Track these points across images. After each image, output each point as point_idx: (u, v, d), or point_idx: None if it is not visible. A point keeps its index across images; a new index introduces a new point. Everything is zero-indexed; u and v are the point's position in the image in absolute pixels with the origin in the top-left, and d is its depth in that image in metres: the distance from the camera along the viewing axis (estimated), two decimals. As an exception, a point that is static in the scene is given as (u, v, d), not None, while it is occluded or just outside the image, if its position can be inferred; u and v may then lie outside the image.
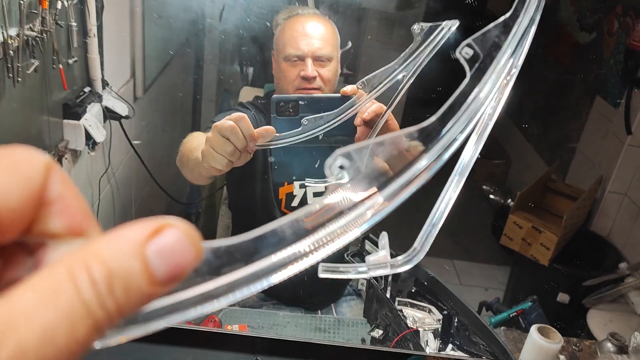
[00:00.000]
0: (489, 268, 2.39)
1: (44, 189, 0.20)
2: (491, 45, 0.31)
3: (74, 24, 1.03)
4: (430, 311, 0.96)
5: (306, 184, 0.91)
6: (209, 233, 1.54)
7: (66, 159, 1.12)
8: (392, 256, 0.33)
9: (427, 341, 0.93)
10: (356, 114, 0.83)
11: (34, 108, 0.99)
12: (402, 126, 1.01)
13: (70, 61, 1.07)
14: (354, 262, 1.03)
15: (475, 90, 0.29)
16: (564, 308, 1.88)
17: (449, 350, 0.94)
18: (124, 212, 1.52)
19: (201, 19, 1.60)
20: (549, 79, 2.27)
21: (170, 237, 0.19)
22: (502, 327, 1.20)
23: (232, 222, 1.35)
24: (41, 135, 1.04)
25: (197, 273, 0.21)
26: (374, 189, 0.25)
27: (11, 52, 0.81)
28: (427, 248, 0.32)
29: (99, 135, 1.15)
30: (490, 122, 0.32)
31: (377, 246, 1.01)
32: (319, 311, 1.18)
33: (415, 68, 0.71)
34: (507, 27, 0.32)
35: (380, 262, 0.31)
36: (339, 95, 0.85)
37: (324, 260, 0.24)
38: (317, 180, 0.97)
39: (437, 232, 0.33)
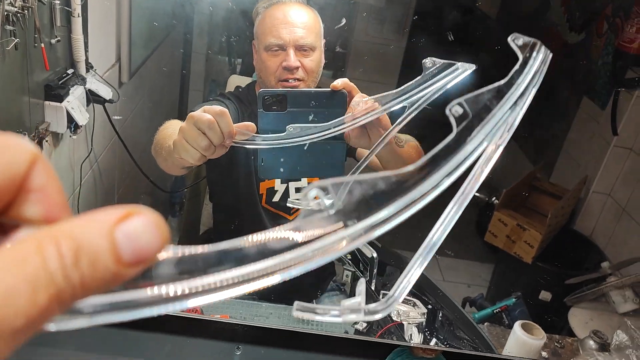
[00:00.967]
0: (473, 265, 2.39)
1: (26, 176, 0.21)
2: (482, 107, 0.31)
3: (57, 1, 1.00)
4: (415, 305, 0.95)
5: (288, 204, 0.88)
6: (193, 222, 1.52)
7: (47, 141, 1.09)
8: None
9: (411, 335, 0.92)
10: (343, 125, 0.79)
11: (14, 87, 0.96)
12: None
13: (53, 41, 1.04)
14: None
15: (461, 147, 0.30)
16: (546, 306, 1.89)
17: (432, 344, 0.94)
18: (106, 199, 1.49)
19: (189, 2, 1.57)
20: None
21: (139, 223, 0.21)
22: (486, 323, 1.20)
23: (213, 214, 1.33)
24: (21, 116, 1.01)
25: (156, 272, 0.22)
26: (340, 225, 0.26)
27: (-10, 27, 0.78)
28: (403, 297, 0.32)
29: (82, 118, 1.12)
30: (477, 183, 0.32)
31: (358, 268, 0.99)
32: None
33: (419, 103, 0.68)
34: (500, 93, 0.33)
35: (355, 308, 0.31)
36: (328, 90, 0.82)
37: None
38: (296, 201, 0.91)
39: (414, 282, 0.32)
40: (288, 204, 0.93)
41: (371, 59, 2.34)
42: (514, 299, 1.20)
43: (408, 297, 0.97)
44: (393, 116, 0.78)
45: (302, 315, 0.31)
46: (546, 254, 2.01)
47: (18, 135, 0.22)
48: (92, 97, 1.20)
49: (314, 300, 1.21)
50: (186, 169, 0.99)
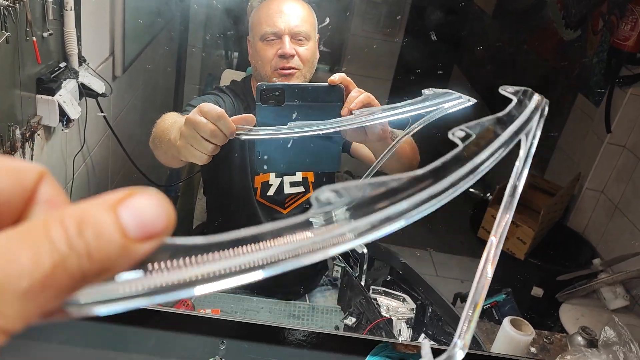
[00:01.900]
0: (466, 260, 2.40)
1: (34, 190, 0.23)
2: (484, 131, 0.32)
3: (49, -5, 1.00)
4: (404, 300, 0.96)
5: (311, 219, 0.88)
6: (186, 215, 1.52)
7: (39, 135, 1.09)
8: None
9: (400, 330, 0.93)
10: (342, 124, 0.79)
11: (5, 81, 0.96)
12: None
13: (45, 34, 1.03)
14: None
15: (470, 159, 0.30)
16: (537, 301, 1.90)
17: (421, 339, 0.94)
18: (99, 192, 1.49)
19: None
20: (533, 75, 2.29)
21: (142, 199, 0.21)
22: (476, 319, 1.21)
23: (207, 207, 1.33)
24: (13, 110, 1.01)
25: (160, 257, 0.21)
26: (350, 220, 0.26)
27: (-20, 20, 0.78)
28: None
29: (74, 112, 1.12)
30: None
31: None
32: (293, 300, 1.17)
33: (422, 120, 0.68)
34: (500, 121, 0.34)
35: None
36: (326, 84, 0.82)
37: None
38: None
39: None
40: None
41: (368, 54, 2.34)
42: (504, 295, 1.21)
43: (398, 293, 0.98)
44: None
45: None
46: (539, 250, 2.02)
47: (23, 160, 0.24)
48: (85, 91, 1.20)
49: (306, 295, 1.21)
50: (186, 162, 1.00)
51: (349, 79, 0.84)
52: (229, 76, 1.50)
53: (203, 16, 1.91)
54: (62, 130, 1.16)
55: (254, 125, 0.78)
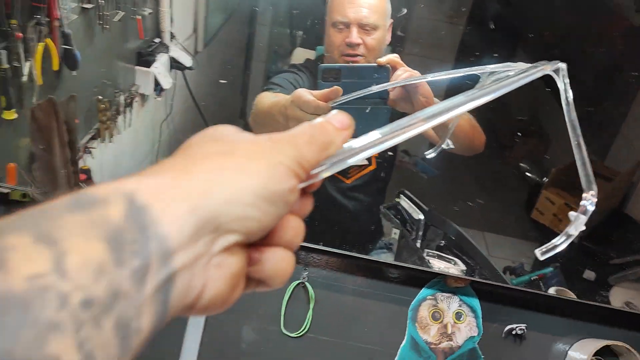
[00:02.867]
0: (519, 243, 2.43)
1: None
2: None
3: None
4: (455, 263, 1.05)
5: None
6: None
7: (136, 101, 1.24)
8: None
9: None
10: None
11: (114, 53, 1.11)
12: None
13: (146, 12, 1.18)
14: (390, 214, 1.13)
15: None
16: (589, 285, 1.93)
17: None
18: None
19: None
20: (598, 61, 2.26)
21: (337, 115, 0.39)
22: (523, 289, 1.28)
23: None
24: (117, 79, 1.16)
25: None
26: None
27: (101, 1, 0.92)
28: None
29: (166, 82, 1.26)
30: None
31: (412, 202, 1.09)
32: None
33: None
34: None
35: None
36: (375, 64, 0.98)
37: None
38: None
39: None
40: None
41: (429, 35, 2.38)
42: (551, 268, 1.27)
43: (449, 257, 1.07)
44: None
45: (549, 255, 0.44)
46: (594, 234, 2.03)
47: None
48: (174, 64, 1.35)
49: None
50: None
51: (397, 59, 0.97)
52: (300, 54, 1.60)
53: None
54: (155, 98, 1.31)
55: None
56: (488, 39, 1.87)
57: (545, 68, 0.53)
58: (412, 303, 0.92)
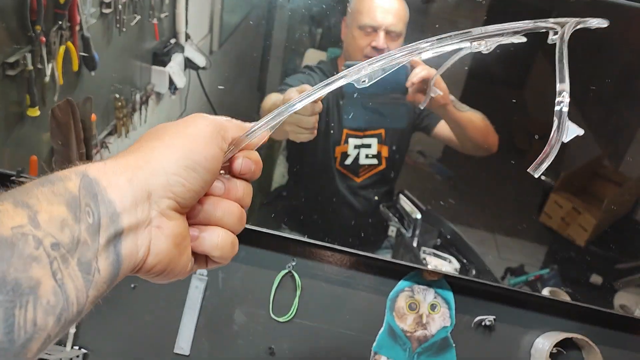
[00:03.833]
0: (529, 245, 2.44)
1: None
2: None
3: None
4: (450, 261, 1.09)
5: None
6: (265, 179, 1.72)
7: (151, 99, 1.30)
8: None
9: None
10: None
11: (130, 54, 1.17)
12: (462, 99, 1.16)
13: (162, 16, 1.24)
14: (388, 212, 1.18)
15: None
16: (596, 289, 1.94)
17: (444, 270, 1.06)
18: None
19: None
20: (617, 63, 2.25)
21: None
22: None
23: (289, 173, 1.52)
24: (133, 78, 1.23)
25: None
26: None
27: (120, 6, 0.98)
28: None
29: (180, 81, 1.32)
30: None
31: (411, 202, 1.13)
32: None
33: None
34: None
35: None
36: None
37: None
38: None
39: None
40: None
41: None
42: (548, 270, 1.30)
43: (444, 255, 1.11)
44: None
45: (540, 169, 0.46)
46: (602, 240, 2.03)
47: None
48: (189, 64, 1.41)
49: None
50: None
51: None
52: (312, 55, 1.65)
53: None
54: (170, 96, 1.38)
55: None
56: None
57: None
58: (390, 294, 0.98)
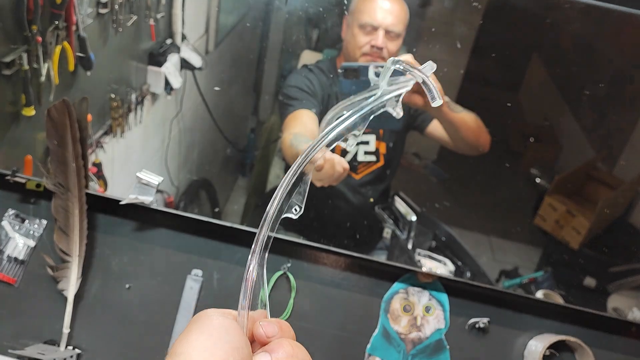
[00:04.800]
0: (523, 248, 2.45)
1: None
2: None
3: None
4: (445, 264, 1.09)
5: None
6: (261, 180, 1.72)
7: (147, 99, 1.30)
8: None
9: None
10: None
11: (127, 54, 1.17)
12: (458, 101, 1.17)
13: (159, 16, 1.24)
14: (383, 214, 1.18)
15: None
16: (589, 292, 1.95)
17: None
18: (188, 153, 1.71)
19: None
20: (610, 68, 2.26)
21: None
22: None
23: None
24: (129, 78, 1.23)
25: None
26: None
27: (116, 6, 0.98)
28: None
29: (176, 82, 1.32)
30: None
31: (407, 204, 1.14)
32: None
33: None
34: None
35: None
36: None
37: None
38: None
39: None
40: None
41: (442, 37, 2.40)
42: (542, 272, 1.31)
43: (439, 257, 1.12)
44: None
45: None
46: (596, 242, 2.05)
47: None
48: (185, 65, 1.41)
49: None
50: None
51: (412, 59, 1.00)
52: (308, 56, 1.66)
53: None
54: (166, 97, 1.38)
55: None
56: (504, 40, 1.88)
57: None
58: (385, 295, 0.98)
